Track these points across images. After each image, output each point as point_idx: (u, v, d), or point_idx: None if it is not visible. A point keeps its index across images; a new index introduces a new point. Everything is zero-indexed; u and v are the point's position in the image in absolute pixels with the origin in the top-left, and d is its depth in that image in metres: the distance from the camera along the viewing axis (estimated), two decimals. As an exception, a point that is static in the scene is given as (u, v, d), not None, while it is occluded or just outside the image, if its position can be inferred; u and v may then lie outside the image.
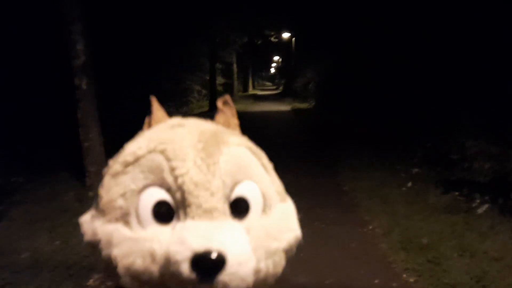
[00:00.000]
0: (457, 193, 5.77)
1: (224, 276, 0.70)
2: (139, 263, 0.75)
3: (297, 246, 0.89)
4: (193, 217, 0.75)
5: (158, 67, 13.14)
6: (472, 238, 4.43)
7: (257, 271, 0.78)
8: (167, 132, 0.85)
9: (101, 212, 0.82)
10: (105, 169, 0.86)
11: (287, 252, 0.85)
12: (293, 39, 31.89)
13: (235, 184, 0.80)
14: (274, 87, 56.85)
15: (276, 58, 56.78)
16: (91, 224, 0.84)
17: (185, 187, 0.76)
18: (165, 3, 13.09)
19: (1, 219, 5.26)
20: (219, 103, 0.97)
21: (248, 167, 0.84)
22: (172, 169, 0.77)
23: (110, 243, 0.78)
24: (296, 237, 0.88)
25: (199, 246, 0.69)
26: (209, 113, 19.35)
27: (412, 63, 9.63)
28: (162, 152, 0.80)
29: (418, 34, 9.43)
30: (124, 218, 0.79)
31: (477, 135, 6.28)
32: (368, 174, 7.10)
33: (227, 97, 0.98)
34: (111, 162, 0.86)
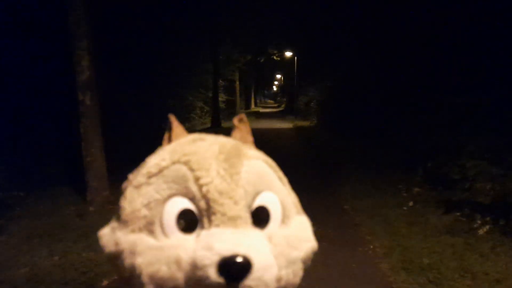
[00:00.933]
0: (458, 213, 5.75)
1: (250, 281, 0.71)
2: (164, 270, 0.75)
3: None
4: (217, 225, 0.76)
5: (161, 83, 13.22)
6: (473, 259, 4.40)
7: (278, 279, 0.79)
8: (189, 145, 0.88)
9: (124, 223, 0.83)
10: (125, 183, 0.88)
11: (304, 262, 0.88)
12: (296, 58, 32.09)
13: (256, 194, 0.83)
14: (276, 105, 57.04)
15: (278, 76, 57.16)
16: (112, 235, 0.84)
17: (210, 196, 0.78)
18: (169, 20, 13.22)
19: (1, 234, 5.24)
20: (235, 121, 1.00)
21: (267, 179, 0.88)
22: (197, 179, 0.79)
23: (134, 252, 0.79)
24: (313, 247, 0.91)
25: (226, 251, 0.71)
26: (212, 129, 19.43)
27: (413, 84, 9.67)
28: (186, 163, 0.82)
29: (419, 54, 9.50)
30: (148, 227, 0.80)
31: (478, 156, 6.27)
32: (369, 193, 7.10)
33: (243, 115, 1.01)
34: (131, 176, 0.88)
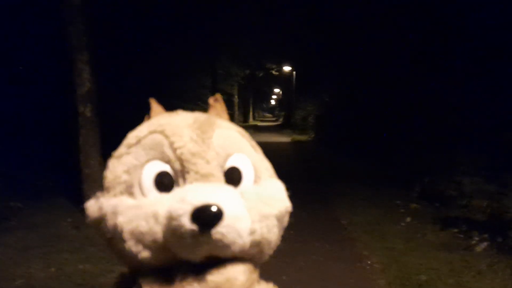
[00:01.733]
0: (455, 230, 5.76)
1: (221, 228, 0.76)
2: (143, 225, 0.81)
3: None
4: (191, 182, 0.83)
5: (159, 97, 13.23)
6: (470, 276, 4.40)
7: (252, 231, 0.83)
8: (165, 118, 0.96)
9: (106, 190, 0.90)
10: (109, 159, 0.95)
11: (279, 220, 0.91)
12: (294, 72, 32.26)
13: (228, 156, 0.89)
14: (274, 119, 57.08)
15: (276, 90, 57.33)
16: (96, 203, 0.90)
17: (184, 157, 0.85)
18: (168, 35, 13.31)
19: (-3, 245, 5.22)
20: (211, 100, 1.07)
21: (239, 143, 0.94)
22: (171, 144, 0.86)
23: (115, 213, 0.84)
24: (286, 207, 0.94)
25: (198, 201, 0.76)
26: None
27: (410, 100, 9.73)
28: (162, 132, 0.89)
29: (417, 71, 9.57)
30: (128, 190, 0.87)
31: (475, 173, 6.30)
32: (366, 209, 7.09)
33: (218, 95, 1.08)
34: (114, 152, 0.95)
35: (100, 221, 0.88)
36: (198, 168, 0.84)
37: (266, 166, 0.98)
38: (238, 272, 0.84)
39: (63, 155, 7.66)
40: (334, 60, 16.21)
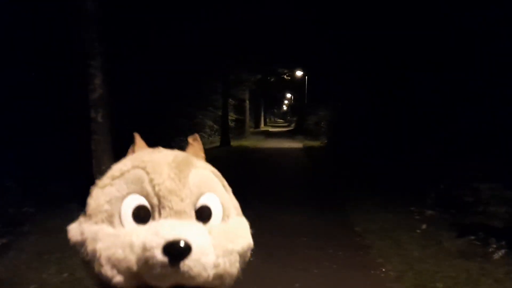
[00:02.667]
0: (472, 237, 5.66)
1: (189, 261, 0.84)
2: (119, 253, 0.88)
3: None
4: (166, 217, 0.91)
5: (171, 102, 13.31)
6: (487, 285, 4.32)
7: (216, 265, 0.92)
8: (147, 154, 1.03)
9: (89, 216, 0.96)
10: (92, 186, 1.02)
11: (241, 255, 0.99)
12: (306, 77, 32.21)
13: (200, 194, 0.97)
14: (286, 124, 57.07)
15: (288, 95, 57.35)
16: (78, 227, 0.96)
17: (161, 193, 0.93)
18: (180, 41, 13.37)
19: (10, 250, 5.24)
20: (190, 139, 1.17)
21: (211, 183, 1.03)
22: (151, 180, 0.94)
23: (95, 239, 0.91)
24: (249, 244, 1.02)
25: (170, 235, 0.84)
26: (221, 148, 19.44)
27: (426, 105, 9.63)
28: (143, 168, 0.97)
29: (432, 74, 9.48)
30: (108, 219, 0.94)
31: (492, 179, 6.20)
32: (380, 215, 7.01)
33: (196, 135, 1.18)
34: (97, 181, 1.02)
35: (81, 244, 0.94)
36: (173, 204, 0.92)
37: (234, 205, 1.07)
38: None
39: (75, 161, 7.70)
40: (347, 65, 16.13)
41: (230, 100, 23.86)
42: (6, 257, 5.04)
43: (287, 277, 4.53)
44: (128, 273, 0.88)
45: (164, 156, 1.02)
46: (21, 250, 5.23)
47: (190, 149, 1.14)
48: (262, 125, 46.47)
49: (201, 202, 0.97)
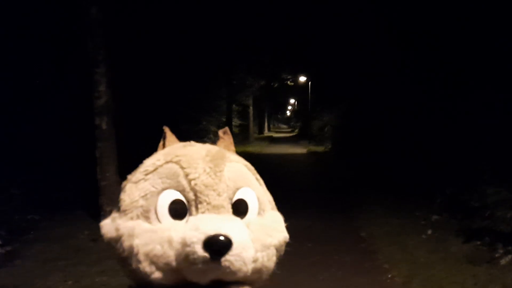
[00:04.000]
0: (479, 242, 5.62)
1: (230, 257, 0.84)
2: (158, 249, 0.88)
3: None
4: (203, 212, 0.91)
5: (175, 108, 13.33)
6: (496, 291, 4.28)
7: (255, 259, 0.92)
8: (180, 149, 1.03)
9: (124, 212, 0.96)
10: (125, 182, 1.02)
11: (277, 249, 1.00)
12: (309, 82, 32.21)
13: (236, 189, 0.97)
14: (290, 130, 56.96)
15: (292, 101, 57.33)
16: (113, 224, 0.97)
17: (197, 188, 0.93)
18: (184, 46, 13.41)
19: (15, 257, 5.24)
20: (220, 132, 1.16)
21: (246, 177, 1.03)
22: (186, 175, 0.94)
23: (132, 235, 0.91)
24: (285, 238, 1.04)
25: (211, 230, 0.84)
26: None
27: (431, 109, 9.60)
28: (178, 162, 0.97)
29: (437, 80, 9.46)
30: (144, 214, 0.94)
31: (499, 183, 6.16)
32: (386, 220, 6.97)
33: (227, 128, 1.19)
34: (130, 176, 1.02)
35: (116, 240, 0.94)
36: (210, 199, 0.92)
37: (269, 199, 1.07)
38: None
39: (80, 168, 7.71)
40: (351, 70, 16.11)
41: (234, 105, 23.89)
42: (11, 264, 5.04)
43: (293, 283, 4.45)
44: (167, 269, 0.88)
45: (197, 150, 1.02)
46: (26, 258, 5.23)
47: (221, 142, 1.14)
48: (266, 130, 46.48)
49: (237, 196, 0.97)
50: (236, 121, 24.66)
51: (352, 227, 6.86)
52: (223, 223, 0.87)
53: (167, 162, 0.98)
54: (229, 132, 1.18)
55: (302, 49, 23.70)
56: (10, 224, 6.13)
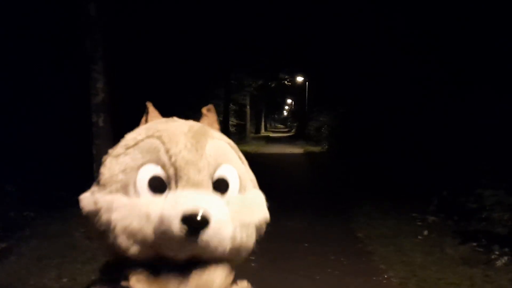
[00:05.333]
0: (475, 243, 5.64)
1: (207, 234, 0.85)
2: (135, 223, 0.88)
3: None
4: (183, 188, 0.90)
5: (172, 107, 13.29)
6: (492, 292, 4.28)
7: (233, 238, 0.92)
8: (162, 124, 1.04)
9: (103, 186, 0.96)
10: (105, 155, 1.03)
11: (257, 228, 0.99)
12: (307, 82, 32.22)
13: (217, 166, 0.97)
14: (287, 130, 56.96)
15: (289, 101, 57.35)
16: (91, 197, 0.97)
17: (177, 164, 0.92)
18: (181, 45, 13.40)
19: (10, 254, 5.20)
20: (204, 110, 1.16)
21: (228, 155, 1.02)
22: (167, 150, 0.93)
23: (110, 209, 0.91)
24: (265, 217, 1.02)
25: (188, 206, 0.84)
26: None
27: (428, 110, 9.60)
28: (159, 137, 0.96)
29: (434, 79, 9.46)
30: (123, 189, 0.93)
31: (495, 185, 6.17)
32: (382, 221, 6.97)
33: (211, 106, 1.18)
34: (111, 150, 1.03)
35: (94, 214, 0.94)
36: (190, 176, 0.91)
37: (250, 177, 1.07)
38: (216, 276, 0.91)
39: (76, 165, 7.68)
40: (349, 70, 16.10)
41: (231, 105, 23.86)
42: (6, 261, 5.01)
43: (289, 284, 4.50)
44: (144, 244, 0.88)
45: (179, 126, 1.01)
46: (21, 255, 5.19)
47: (204, 119, 1.13)
48: (263, 130, 46.46)
49: (218, 173, 0.96)
50: (233, 121, 24.64)
51: (349, 227, 6.85)
52: (201, 200, 0.87)
53: (148, 137, 0.98)
54: (213, 109, 1.17)
55: (300, 49, 23.67)
56: (5, 221, 6.08)
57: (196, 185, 0.91)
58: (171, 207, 0.85)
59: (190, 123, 1.05)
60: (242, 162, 1.07)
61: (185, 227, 0.83)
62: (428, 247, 5.72)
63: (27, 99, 8.17)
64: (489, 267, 4.93)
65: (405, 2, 10.68)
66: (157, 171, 0.93)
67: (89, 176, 6.54)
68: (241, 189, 1.00)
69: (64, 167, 7.90)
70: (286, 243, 5.74)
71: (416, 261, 5.18)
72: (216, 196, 0.93)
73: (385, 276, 4.78)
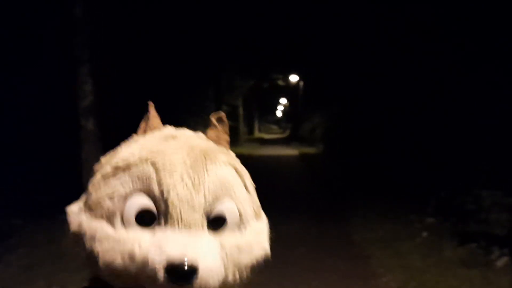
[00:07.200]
0: (474, 245, 5.60)
1: (194, 283, 0.79)
2: (119, 261, 0.82)
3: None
4: (173, 226, 0.83)
5: (163, 108, 13.19)
6: (492, 295, 4.24)
7: (225, 281, 0.86)
8: (159, 143, 0.92)
9: (89, 208, 0.89)
10: (97, 166, 0.94)
11: (254, 267, 0.93)
12: (301, 82, 32.18)
13: (216, 201, 0.87)
14: (281, 131, 56.99)
15: (283, 101, 57.39)
16: (78, 216, 0.90)
17: (169, 202, 0.83)
18: (171, 46, 13.33)
19: (-3, 263, 5.10)
20: (213, 118, 1.02)
21: (230, 187, 0.91)
22: (160, 182, 0.85)
23: (93, 238, 0.85)
24: (265, 253, 0.96)
25: (174, 254, 0.78)
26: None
27: (426, 110, 9.58)
28: (153, 164, 0.87)
29: (432, 78, 9.44)
30: (109, 218, 0.86)
31: (494, 186, 6.15)
32: (379, 224, 6.91)
33: (222, 113, 1.03)
34: (103, 160, 0.94)
35: (79, 237, 0.88)
36: (183, 215, 0.84)
37: (254, 206, 0.98)
38: None
39: (65, 170, 7.58)
40: (344, 69, 16.07)
41: (223, 106, 23.79)
42: (-8, 270, 4.89)
43: None
44: (128, 279, 0.84)
45: (178, 149, 0.90)
46: (8, 264, 5.10)
47: (212, 131, 1.02)
48: (256, 132, 46.36)
49: (216, 210, 0.88)
50: (225, 122, 24.54)
51: (345, 231, 6.79)
52: (190, 246, 0.81)
53: (141, 161, 0.88)
54: (224, 118, 1.03)
55: (293, 48, 23.63)
56: (-9, 229, 5.99)
57: (188, 225, 0.84)
58: (156, 251, 0.80)
59: (192, 143, 0.94)
60: (248, 191, 0.97)
61: (169, 276, 0.78)
62: (426, 249, 5.68)
63: (13, 103, 8.06)
64: (488, 269, 4.91)
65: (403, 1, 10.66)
66: (147, 203, 0.85)
67: (77, 181, 6.44)
68: (241, 225, 0.92)
69: (52, 173, 7.80)
70: (282, 247, 5.64)
71: (415, 264, 5.14)
72: (209, 238, 0.86)
73: (383, 280, 4.74)
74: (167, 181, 0.85)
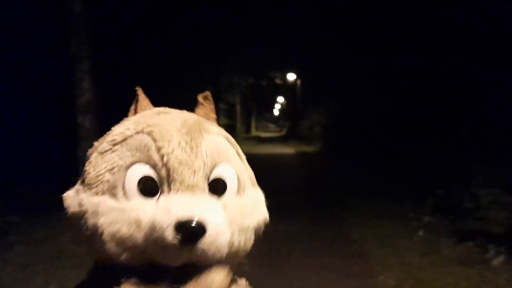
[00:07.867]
0: (471, 243, 5.61)
1: (203, 243, 0.79)
2: (124, 230, 0.82)
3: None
4: (176, 192, 0.83)
5: (161, 106, 13.21)
6: (489, 292, 4.25)
7: (230, 244, 0.87)
8: (153, 117, 0.94)
9: (88, 186, 0.88)
10: (91, 149, 0.94)
11: (256, 231, 0.94)
12: (299, 81, 32.16)
13: (214, 166, 0.89)
14: (278, 129, 56.88)
15: (280, 100, 57.31)
16: (76, 197, 0.89)
17: (170, 165, 0.84)
18: (170, 43, 13.31)
19: (-6, 261, 5.09)
20: (200, 98, 1.06)
21: (225, 152, 0.94)
22: (159, 149, 0.86)
23: (96, 213, 0.84)
24: (265, 218, 0.97)
25: (183, 214, 0.78)
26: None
27: (423, 109, 9.59)
28: (149, 133, 0.88)
29: (429, 76, 9.45)
30: (110, 190, 0.86)
31: (491, 184, 6.16)
32: (377, 222, 6.92)
33: (208, 93, 1.07)
34: (97, 143, 0.94)
35: (79, 216, 0.87)
36: (184, 178, 0.84)
37: (249, 175, 1.00)
38: (215, 278, 0.86)
39: (62, 168, 7.57)
40: (342, 67, 16.06)
41: (221, 104, 23.76)
42: (-11, 268, 4.89)
43: (284, 286, 4.45)
44: (135, 251, 0.83)
45: (172, 120, 0.93)
46: (5, 261, 5.09)
47: (200, 109, 1.05)
48: (254, 130, 46.32)
49: (215, 174, 0.89)
50: (222, 120, 24.53)
51: (343, 229, 6.79)
52: (196, 206, 0.81)
53: (137, 132, 0.89)
54: (210, 97, 1.07)
55: (291, 46, 23.58)
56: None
57: (190, 188, 0.84)
58: (163, 214, 0.79)
59: (184, 115, 0.98)
60: (241, 158, 1.00)
61: (179, 235, 0.77)
62: (424, 247, 5.69)
63: (10, 100, 8.03)
64: (485, 267, 4.92)
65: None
66: (148, 171, 0.86)
67: (75, 179, 6.42)
68: (240, 189, 0.94)
69: (50, 170, 7.78)
70: (280, 245, 5.66)
71: (412, 262, 5.15)
72: (212, 200, 0.87)
73: (381, 278, 4.74)
74: (166, 147, 0.86)
